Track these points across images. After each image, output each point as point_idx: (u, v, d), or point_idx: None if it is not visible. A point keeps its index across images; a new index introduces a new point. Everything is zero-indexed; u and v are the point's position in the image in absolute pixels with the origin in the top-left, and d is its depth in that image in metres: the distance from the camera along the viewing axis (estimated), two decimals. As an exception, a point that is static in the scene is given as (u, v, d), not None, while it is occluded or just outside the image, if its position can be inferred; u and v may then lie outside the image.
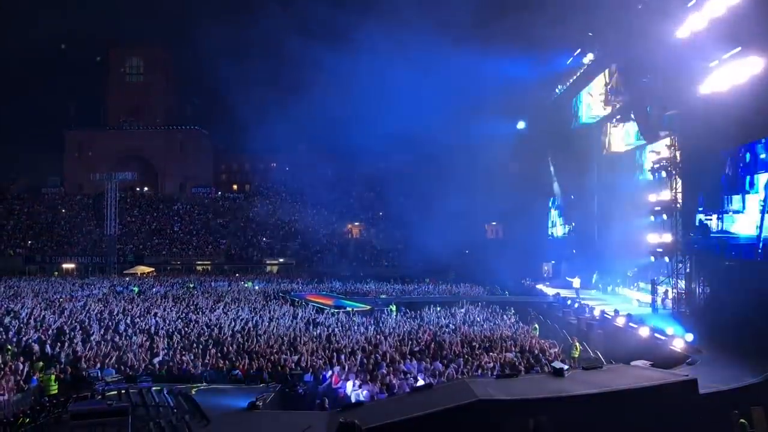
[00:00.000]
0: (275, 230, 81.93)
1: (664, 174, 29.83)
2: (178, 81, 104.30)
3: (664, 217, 29.84)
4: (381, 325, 28.22)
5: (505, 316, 31.26)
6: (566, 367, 14.88)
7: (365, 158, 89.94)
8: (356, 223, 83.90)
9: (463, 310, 32.58)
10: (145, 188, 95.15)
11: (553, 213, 54.66)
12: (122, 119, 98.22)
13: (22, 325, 27.60)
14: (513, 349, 22.11)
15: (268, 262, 74.92)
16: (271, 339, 24.28)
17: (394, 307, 34.50)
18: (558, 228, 53.89)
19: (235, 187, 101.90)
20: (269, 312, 32.25)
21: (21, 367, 19.80)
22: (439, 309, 33.51)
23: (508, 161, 64.57)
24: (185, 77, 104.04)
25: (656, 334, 22.85)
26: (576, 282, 41.22)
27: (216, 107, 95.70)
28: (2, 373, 18.63)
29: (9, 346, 23.19)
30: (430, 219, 73.69)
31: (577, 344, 24.48)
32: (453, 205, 68.61)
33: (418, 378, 18.14)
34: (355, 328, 27.17)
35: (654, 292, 31.07)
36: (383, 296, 41.98)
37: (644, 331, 23.30)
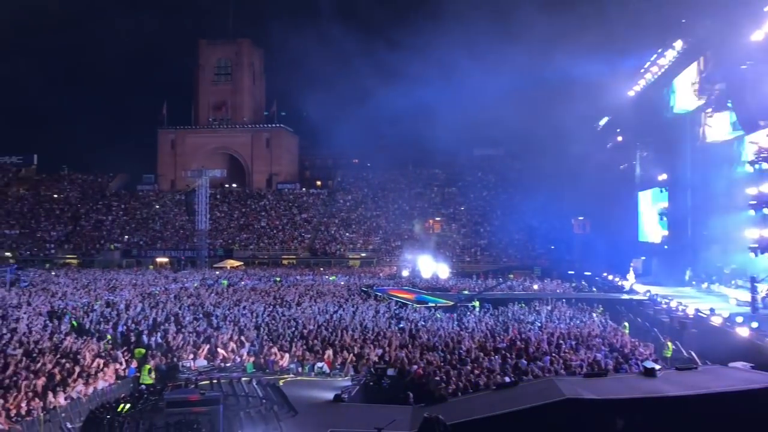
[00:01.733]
0: (357, 225, 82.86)
1: (765, 165, 28.20)
2: (264, 79, 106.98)
3: (765, 211, 28.20)
4: (464, 321, 28.01)
5: (593, 314, 30.39)
6: (658, 366, 14.32)
7: (447, 152, 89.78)
8: (437, 218, 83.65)
9: (548, 307, 31.88)
10: (234, 184, 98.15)
11: (646, 206, 52.49)
12: (211, 118, 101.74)
13: (120, 316, 29.05)
14: (602, 347, 21.47)
15: (350, 256, 75.85)
16: (355, 333, 24.58)
17: (476, 303, 34.16)
18: (652, 223, 51.65)
19: (318, 183, 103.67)
20: (353, 306, 32.64)
21: (120, 356, 20.90)
22: (523, 305, 32.94)
23: (596, 154, 62.77)
24: (271, 75, 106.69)
25: (758, 334, 21.66)
26: (630, 276, 40.07)
27: (300, 104, 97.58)
28: (104, 361, 19.70)
29: (109, 336, 24.50)
30: (514, 213, 72.62)
31: (669, 344, 23.53)
32: (538, 200, 67.30)
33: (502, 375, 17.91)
34: (438, 323, 27.08)
35: (754, 290, 29.40)
36: (465, 292, 41.64)
37: (744, 331, 22.12)
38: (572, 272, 53.92)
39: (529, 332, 24.36)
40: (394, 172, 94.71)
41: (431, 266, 58.14)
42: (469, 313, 31.00)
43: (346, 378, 19.45)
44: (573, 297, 36.66)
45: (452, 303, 34.14)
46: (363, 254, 76.07)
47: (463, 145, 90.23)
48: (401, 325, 26.41)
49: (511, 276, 55.11)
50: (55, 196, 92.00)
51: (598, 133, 65.01)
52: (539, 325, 26.66)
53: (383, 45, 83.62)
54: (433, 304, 33.01)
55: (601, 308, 32.04)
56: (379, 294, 38.81)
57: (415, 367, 18.92)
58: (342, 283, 48.69)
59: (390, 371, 18.75)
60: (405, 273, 57.29)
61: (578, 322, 27.71)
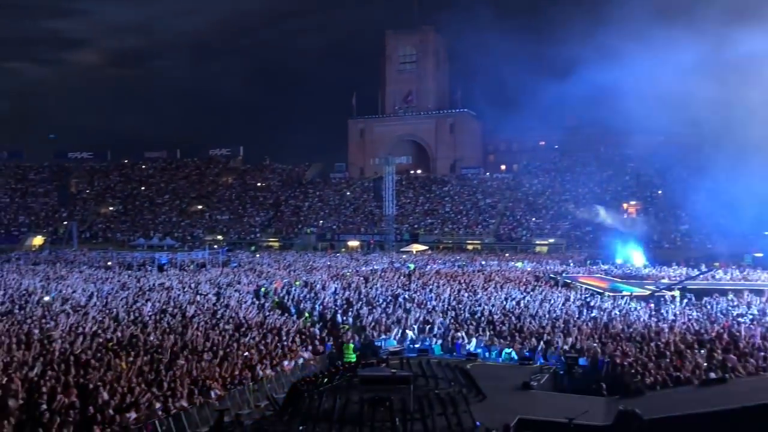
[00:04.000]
0: (545, 210, 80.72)
1: None
2: (448, 65, 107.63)
3: None
4: (662, 311, 26.19)
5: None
6: None
7: (641, 133, 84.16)
8: (632, 202, 78.95)
9: (763, 299, 28.81)
10: (419, 170, 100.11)
11: None
12: (397, 106, 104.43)
13: (317, 296, 30.89)
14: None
15: (537, 242, 74.07)
16: (543, 320, 24.00)
17: (677, 294, 31.74)
18: None
19: (503, 167, 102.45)
20: (540, 293, 31.89)
21: (318, 333, 22.25)
22: (731, 297, 30.07)
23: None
24: (454, 61, 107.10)
25: None
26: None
27: (484, 88, 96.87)
28: (303, 338, 21.08)
29: (307, 314, 26.16)
30: (719, 196, 66.34)
31: None
32: (747, 181, 60.90)
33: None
34: (634, 314, 25.58)
35: None
36: (664, 281, 38.86)
37: None
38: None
39: (739, 326, 22.19)
40: (583, 154, 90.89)
41: (626, 253, 55.09)
42: (668, 303, 28.91)
43: (535, 365, 19.08)
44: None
45: (649, 292, 32.05)
46: (551, 240, 73.91)
47: (659, 125, 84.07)
48: (593, 314, 25.32)
49: (716, 264, 50.47)
50: (259, 184, 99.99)
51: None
52: (750, 318, 24.19)
53: (567, 24, 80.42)
54: (628, 293, 31.20)
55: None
56: (569, 281, 37.50)
57: (609, 357, 18.04)
58: (529, 269, 47.76)
59: (581, 360, 18.07)
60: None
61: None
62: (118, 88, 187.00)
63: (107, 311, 25.07)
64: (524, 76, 80.00)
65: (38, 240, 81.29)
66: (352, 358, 18.96)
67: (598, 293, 31.63)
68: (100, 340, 18.81)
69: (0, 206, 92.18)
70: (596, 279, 39.40)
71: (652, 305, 27.81)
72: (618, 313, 25.57)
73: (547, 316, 24.96)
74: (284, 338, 20.50)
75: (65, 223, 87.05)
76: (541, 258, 60.73)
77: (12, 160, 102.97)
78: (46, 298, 28.18)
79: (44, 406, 12.08)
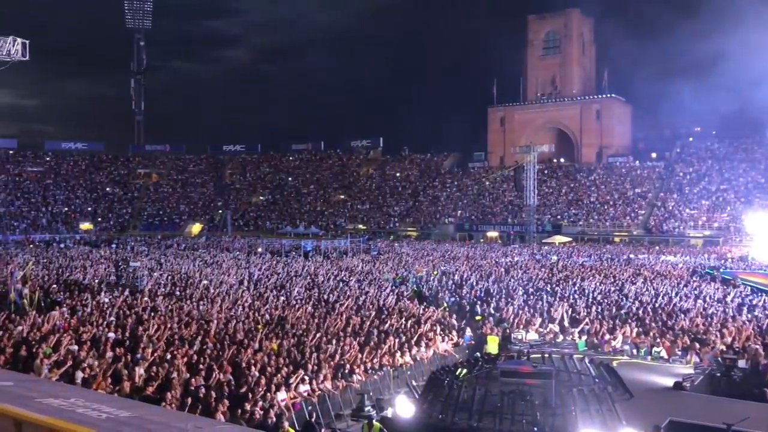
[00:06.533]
0: (700, 200, 75.40)
1: None
2: (593, 48, 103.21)
3: None
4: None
5: None
6: None
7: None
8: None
9: None
10: (562, 159, 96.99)
11: None
12: (539, 92, 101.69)
13: (455, 286, 30.88)
14: None
15: (690, 235, 69.31)
16: (697, 317, 22.47)
17: None
18: None
19: (654, 154, 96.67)
20: (695, 289, 29.89)
21: (456, 323, 22.24)
22: None
23: None
24: (600, 43, 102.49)
25: None
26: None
27: (633, 72, 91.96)
28: (441, 327, 21.16)
29: (445, 304, 26.21)
30: None
31: None
32: None
33: None
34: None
35: None
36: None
37: None
38: None
39: None
40: (745, 140, 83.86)
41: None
42: None
43: (688, 365, 17.93)
44: None
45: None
46: (706, 233, 68.84)
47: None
48: (755, 313, 23.38)
49: None
50: (398, 174, 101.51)
51: None
52: None
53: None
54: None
55: None
56: (729, 278, 34.80)
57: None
58: (681, 264, 44.88)
59: (741, 363, 16.72)
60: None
61: None
62: (267, 83, 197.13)
63: (257, 294, 26.57)
64: (678, 57, 75.06)
65: (197, 227, 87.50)
66: (494, 350, 18.78)
67: (764, 291, 29.15)
68: (251, 321, 19.96)
69: (163, 196, 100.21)
70: (760, 276, 36.22)
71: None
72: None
73: (702, 313, 23.35)
74: (423, 327, 20.69)
75: (220, 211, 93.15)
76: (696, 252, 56.82)
77: (173, 153, 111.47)
78: (204, 281, 30.33)
79: (202, 382, 13.01)
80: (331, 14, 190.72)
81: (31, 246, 59.82)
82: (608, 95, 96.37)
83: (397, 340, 18.13)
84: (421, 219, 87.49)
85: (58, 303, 23.01)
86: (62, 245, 61.85)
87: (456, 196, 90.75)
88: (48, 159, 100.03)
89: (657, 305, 25.16)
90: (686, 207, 74.77)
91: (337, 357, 15.94)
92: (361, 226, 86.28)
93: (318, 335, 17.70)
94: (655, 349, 19.16)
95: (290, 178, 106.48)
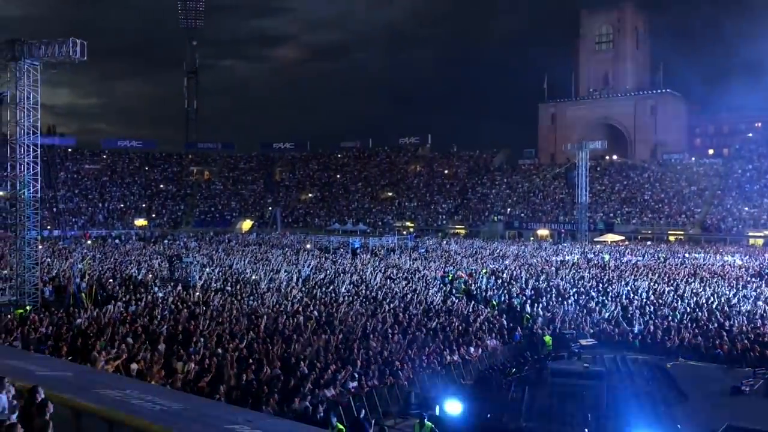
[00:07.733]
0: (761, 198, 72.78)
1: None
2: (648, 42, 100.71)
3: None
4: None
5: None
6: None
7: None
8: None
9: None
10: (614, 156, 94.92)
11: None
12: (591, 88, 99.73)
13: (504, 285, 30.52)
14: None
15: (750, 234, 66.94)
16: (755, 320, 21.71)
17: None
18: None
19: (711, 151, 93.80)
20: (755, 290, 28.87)
21: (503, 322, 22.00)
22: None
23: None
24: (655, 38, 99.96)
25: None
26: None
27: (690, 66, 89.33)
28: (490, 326, 20.96)
29: (494, 302, 25.97)
30: None
31: None
32: None
33: None
34: None
35: None
36: None
37: None
38: None
39: None
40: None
41: None
42: None
43: (747, 370, 17.33)
44: None
45: None
46: (767, 232, 66.45)
47: None
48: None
49: None
50: (446, 171, 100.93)
51: None
52: None
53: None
54: None
55: None
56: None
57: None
58: (740, 264, 43.40)
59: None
60: None
61: None
62: (316, 81, 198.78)
63: (306, 291, 26.80)
64: (738, 50, 72.53)
65: (247, 224, 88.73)
66: (549, 348, 18.54)
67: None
68: (300, 317, 20.14)
69: (215, 193, 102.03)
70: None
71: None
72: None
73: (764, 315, 22.55)
74: (471, 325, 20.53)
75: (270, 208, 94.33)
76: (756, 252, 54.87)
77: (225, 151, 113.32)
78: (254, 277, 30.76)
79: (252, 376, 13.19)
80: (381, 12, 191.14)
81: (89, 241, 61.70)
82: (663, 90, 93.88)
83: (445, 338, 18.03)
84: (469, 216, 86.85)
85: (114, 297, 23.69)
86: (117, 241, 63.64)
87: (505, 194, 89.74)
88: (105, 156, 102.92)
89: (714, 307, 24.39)
90: (745, 205, 72.26)
91: (385, 354, 15.95)
92: (408, 224, 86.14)
93: (365, 332, 17.74)
94: (713, 351, 18.57)
95: (338, 176, 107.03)
